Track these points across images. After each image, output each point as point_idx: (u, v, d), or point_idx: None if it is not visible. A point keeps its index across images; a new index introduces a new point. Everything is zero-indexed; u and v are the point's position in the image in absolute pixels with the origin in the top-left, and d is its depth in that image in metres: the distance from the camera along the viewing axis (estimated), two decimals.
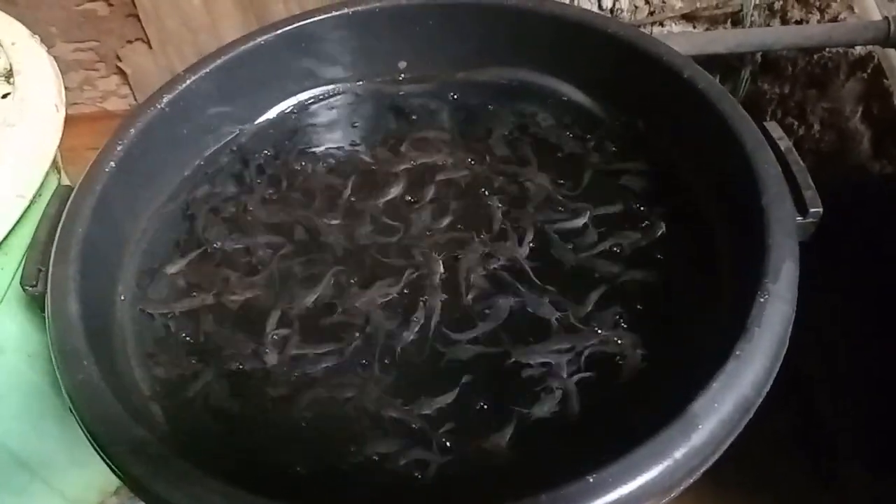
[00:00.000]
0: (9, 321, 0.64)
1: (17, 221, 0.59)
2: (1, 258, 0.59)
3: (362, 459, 0.48)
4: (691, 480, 0.42)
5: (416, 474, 0.47)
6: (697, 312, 0.54)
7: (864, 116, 0.93)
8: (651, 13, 0.97)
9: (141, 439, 0.43)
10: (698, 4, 0.95)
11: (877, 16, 0.92)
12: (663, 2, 0.96)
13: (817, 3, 0.96)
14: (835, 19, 0.96)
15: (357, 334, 0.55)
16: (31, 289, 0.53)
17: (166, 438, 0.50)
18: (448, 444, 0.49)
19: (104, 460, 0.44)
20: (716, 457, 0.42)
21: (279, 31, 0.68)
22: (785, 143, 0.57)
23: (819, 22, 0.97)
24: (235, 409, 0.52)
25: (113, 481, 0.86)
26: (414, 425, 0.49)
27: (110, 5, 0.97)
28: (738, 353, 0.43)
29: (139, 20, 0.96)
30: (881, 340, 0.85)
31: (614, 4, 0.94)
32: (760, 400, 0.44)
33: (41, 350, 0.69)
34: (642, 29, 0.98)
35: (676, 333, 0.53)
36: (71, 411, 0.46)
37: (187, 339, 0.56)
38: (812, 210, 0.53)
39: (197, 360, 0.55)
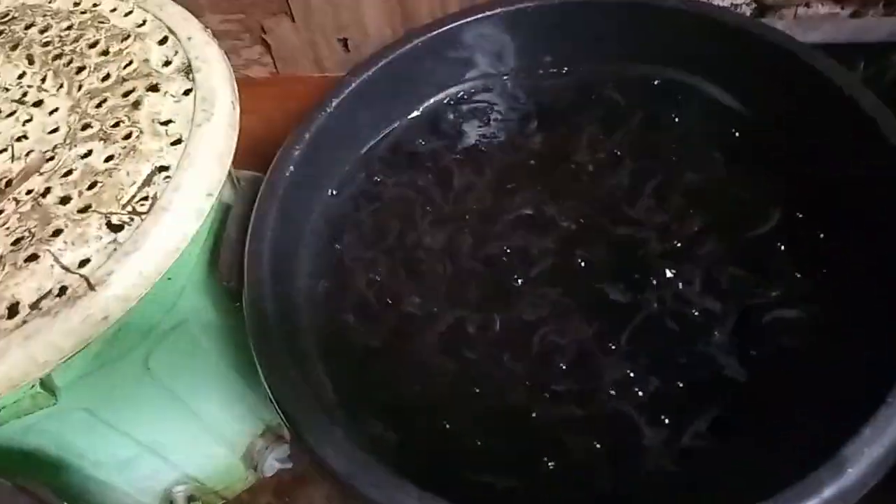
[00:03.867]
0: (194, 298, 0.72)
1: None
2: (192, 248, 0.66)
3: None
4: None
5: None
6: (847, 352, 0.55)
7: None
8: None
9: (334, 434, 0.49)
10: None
11: None
12: None
13: None
14: None
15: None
16: (227, 284, 0.59)
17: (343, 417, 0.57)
18: None
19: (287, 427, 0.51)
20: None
21: (434, 33, 0.72)
22: None
23: None
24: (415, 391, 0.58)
25: (261, 426, 0.96)
26: None
27: None
28: (890, 400, 0.46)
29: None
30: None
31: (730, 4, 0.91)
32: None
33: (211, 321, 0.77)
34: (788, 9, 0.95)
35: (824, 372, 0.54)
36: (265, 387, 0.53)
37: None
38: None
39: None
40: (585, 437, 0.54)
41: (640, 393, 0.55)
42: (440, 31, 0.71)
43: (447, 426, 0.55)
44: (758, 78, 0.68)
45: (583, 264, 0.62)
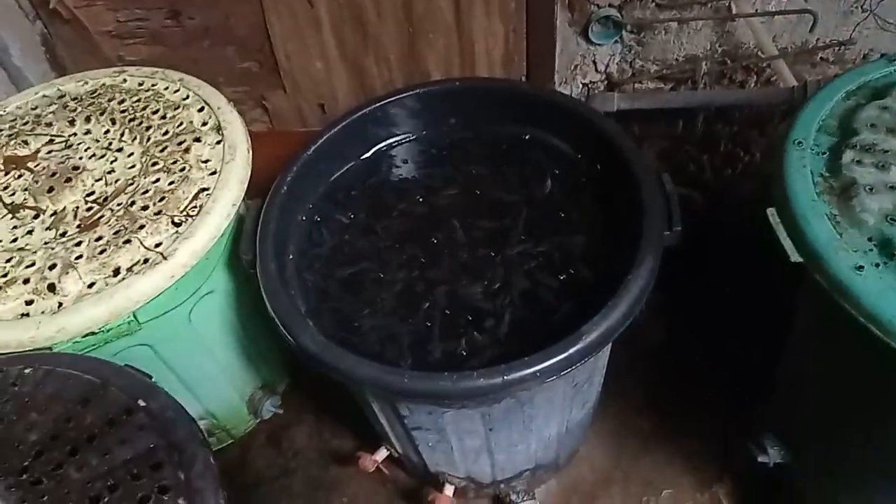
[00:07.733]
0: (222, 272, 1.10)
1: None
2: (222, 238, 1.05)
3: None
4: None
5: None
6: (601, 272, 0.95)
7: None
8: (633, 74, 1.36)
9: (309, 330, 0.88)
10: (665, 72, 1.33)
11: (793, 82, 1.29)
12: (642, 67, 1.35)
13: (755, 69, 1.33)
14: (767, 80, 1.34)
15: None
16: (245, 257, 0.99)
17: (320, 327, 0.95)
18: None
19: (288, 343, 0.89)
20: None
21: (378, 104, 1.12)
22: (669, 185, 0.97)
23: (755, 83, 1.34)
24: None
25: (260, 381, 1.33)
26: None
27: (260, 65, 1.43)
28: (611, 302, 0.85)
29: (279, 75, 1.42)
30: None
31: (588, 81, 1.35)
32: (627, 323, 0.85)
33: (231, 291, 1.15)
34: (628, 85, 1.38)
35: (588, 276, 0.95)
36: (272, 318, 0.92)
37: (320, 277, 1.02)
38: (675, 228, 0.93)
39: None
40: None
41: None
42: (381, 103, 1.12)
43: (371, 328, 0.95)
44: (576, 133, 1.09)
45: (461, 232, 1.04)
